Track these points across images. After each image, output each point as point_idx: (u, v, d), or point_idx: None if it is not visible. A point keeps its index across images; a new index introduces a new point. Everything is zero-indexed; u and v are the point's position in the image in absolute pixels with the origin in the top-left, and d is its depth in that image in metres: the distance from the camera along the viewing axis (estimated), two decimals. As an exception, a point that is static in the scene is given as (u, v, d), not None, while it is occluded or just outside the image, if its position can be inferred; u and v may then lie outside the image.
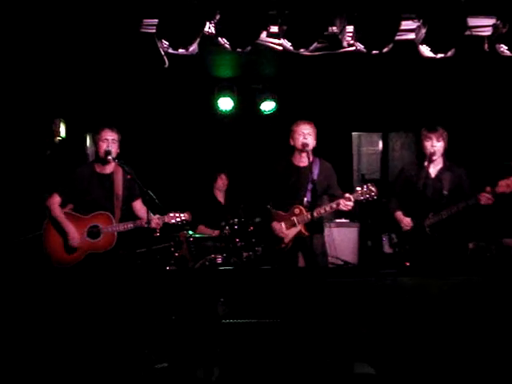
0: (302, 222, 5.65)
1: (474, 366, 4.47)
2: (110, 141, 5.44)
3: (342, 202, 5.55)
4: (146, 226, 5.34)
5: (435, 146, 5.62)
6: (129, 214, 5.65)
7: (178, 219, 5.57)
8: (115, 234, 5.47)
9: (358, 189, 5.58)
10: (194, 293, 5.31)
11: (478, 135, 8.08)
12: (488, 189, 5.40)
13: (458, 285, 4.90)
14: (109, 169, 5.55)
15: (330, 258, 6.37)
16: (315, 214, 5.56)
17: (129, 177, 5.42)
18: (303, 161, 5.74)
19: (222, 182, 7.88)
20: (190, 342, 4.85)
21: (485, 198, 5.40)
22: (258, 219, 6.78)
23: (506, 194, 5.41)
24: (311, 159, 5.63)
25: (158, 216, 5.48)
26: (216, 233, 7.35)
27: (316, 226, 5.74)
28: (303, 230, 5.66)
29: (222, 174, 7.87)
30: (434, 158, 5.68)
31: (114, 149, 5.45)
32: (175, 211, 5.57)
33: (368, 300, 4.87)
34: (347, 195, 5.55)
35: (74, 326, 4.89)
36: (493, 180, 5.47)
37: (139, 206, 5.68)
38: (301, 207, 5.68)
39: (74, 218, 5.49)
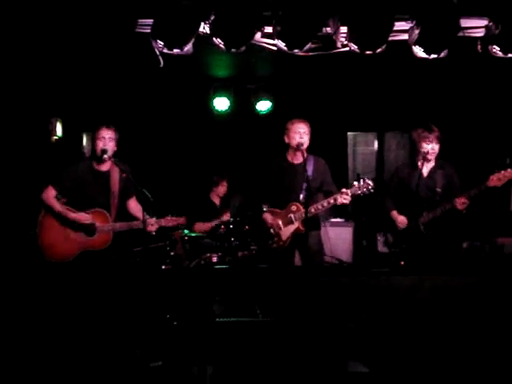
0: (300, 219, 5.65)
1: (467, 365, 4.49)
2: (106, 139, 5.43)
3: (339, 196, 5.56)
4: (141, 227, 5.37)
5: (434, 147, 5.66)
6: (124, 213, 5.67)
7: (175, 223, 5.61)
8: (111, 233, 5.49)
9: (355, 183, 5.61)
10: (188, 292, 5.32)
11: (472, 134, 8.11)
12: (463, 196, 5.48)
13: (452, 284, 4.92)
14: (105, 166, 5.55)
15: (324, 257, 6.39)
16: (313, 210, 5.58)
17: (124, 175, 5.45)
18: (298, 158, 5.76)
19: (222, 189, 7.86)
20: (184, 340, 4.86)
21: (460, 202, 5.47)
22: (249, 213, 6.81)
23: (497, 187, 5.46)
24: (305, 156, 5.65)
25: (154, 220, 5.48)
26: (214, 223, 7.37)
27: (313, 223, 5.75)
28: (301, 227, 5.67)
29: (224, 181, 7.85)
30: (430, 158, 5.72)
31: (111, 147, 5.45)
32: (172, 215, 5.59)
33: (362, 299, 4.89)
34: (344, 190, 5.56)
35: (69, 323, 4.90)
36: (484, 176, 5.51)
37: (134, 204, 5.69)
38: (298, 204, 5.69)
39: (71, 211, 5.50)
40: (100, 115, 6.86)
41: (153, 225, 5.44)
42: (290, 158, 5.86)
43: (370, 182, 5.58)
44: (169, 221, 5.57)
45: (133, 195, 5.67)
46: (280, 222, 5.76)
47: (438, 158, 5.79)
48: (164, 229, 6.36)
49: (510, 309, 4.81)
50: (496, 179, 5.44)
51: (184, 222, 5.64)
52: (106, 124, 5.50)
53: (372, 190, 5.57)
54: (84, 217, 5.44)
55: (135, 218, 5.58)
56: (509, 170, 5.45)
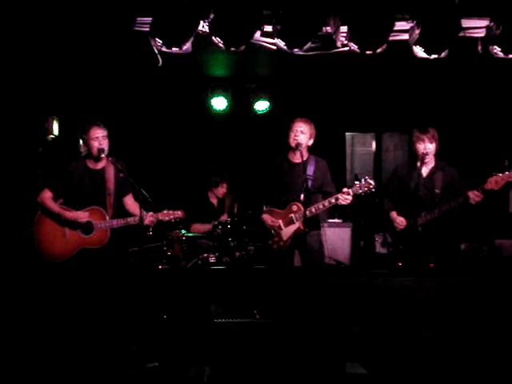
0: (300, 219, 5.62)
1: (465, 366, 4.48)
2: (100, 138, 5.42)
3: (340, 196, 5.53)
4: (139, 223, 5.35)
5: (428, 148, 5.64)
6: (121, 211, 5.65)
7: (172, 216, 5.57)
8: (108, 230, 5.47)
9: (357, 183, 5.57)
10: (186, 292, 5.30)
11: (471, 135, 8.12)
12: (478, 190, 5.43)
13: (450, 285, 4.91)
14: (100, 165, 5.55)
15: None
16: (314, 210, 5.57)
17: (121, 175, 5.44)
18: (298, 158, 5.73)
19: (222, 191, 7.83)
20: (181, 341, 4.84)
21: (473, 195, 5.43)
22: (249, 212, 6.79)
23: (494, 190, 5.44)
24: (306, 156, 5.63)
25: (151, 213, 5.49)
26: (211, 225, 7.35)
27: (313, 223, 5.74)
28: (301, 227, 5.64)
29: (224, 183, 7.81)
30: (427, 159, 5.70)
31: (106, 145, 5.43)
32: (169, 209, 5.57)
33: (360, 300, 4.88)
34: (345, 189, 5.54)
35: (66, 323, 4.88)
36: (484, 178, 5.49)
37: (131, 202, 5.69)
38: (298, 204, 5.66)
39: (68, 211, 5.48)
40: (97, 114, 6.81)
41: (150, 219, 5.41)
42: (290, 158, 5.85)
43: (371, 182, 5.55)
44: (166, 214, 5.55)
45: (129, 192, 5.67)
46: (281, 222, 5.73)
47: (438, 159, 5.76)
48: (162, 228, 6.36)
49: (507, 310, 4.81)
50: (494, 182, 5.42)
51: (182, 215, 5.61)
52: (95, 122, 5.48)
53: (373, 190, 5.55)
54: (81, 215, 5.42)
55: (132, 215, 5.56)
56: (506, 172, 5.44)
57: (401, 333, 4.74)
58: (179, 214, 5.59)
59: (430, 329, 4.74)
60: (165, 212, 5.55)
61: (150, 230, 6.54)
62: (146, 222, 5.43)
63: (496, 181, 5.42)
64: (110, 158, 5.45)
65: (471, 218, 5.78)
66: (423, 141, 5.64)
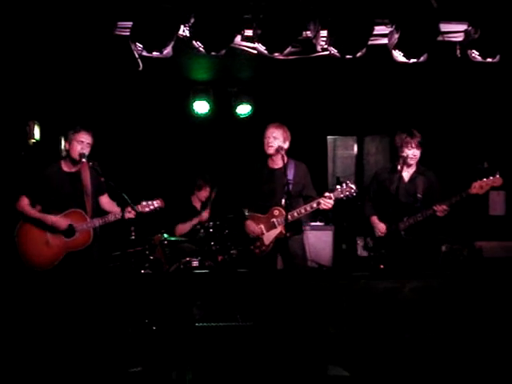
0: (282, 223, 5.60)
1: (446, 366, 4.51)
2: (85, 143, 5.42)
3: (322, 200, 5.52)
4: (119, 217, 5.35)
5: (416, 153, 5.68)
6: (99, 211, 5.66)
7: (152, 207, 5.55)
8: (91, 230, 5.47)
9: (338, 187, 5.56)
10: (168, 296, 5.30)
11: (451, 138, 8.17)
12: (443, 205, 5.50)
13: (431, 287, 4.95)
14: (76, 167, 5.54)
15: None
16: (295, 215, 5.55)
17: (102, 179, 5.44)
18: (278, 163, 5.74)
19: (205, 194, 7.80)
20: (164, 345, 4.84)
21: (441, 209, 5.50)
22: (230, 215, 6.78)
23: (478, 195, 5.49)
24: (286, 161, 5.64)
25: (130, 207, 5.40)
26: (197, 220, 7.35)
27: (295, 227, 5.73)
28: (283, 231, 5.62)
29: (208, 187, 7.80)
30: (411, 162, 5.74)
31: (87, 152, 5.43)
32: (147, 200, 5.56)
33: (342, 303, 4.90)
34: (327, 194, 5.52)
35: (47, 328, 4.86)
36: (466, 184, 5.54)
37: (106, 200, 5.73)
38: (280, 208, 5.64)
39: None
40: (79, 118, 6.79)
41: (130, 211, 5.38)
42: (269, 163, 5.84)
43: (352, 186, 5.54)
44: (145, 206, 5.53)
45: (104, 192, 5.71)
46: (263, 227, 5.73)
47: (419, 163, 5.81)
48: (144, 232, 6.35)
49: (488, 310, 4.85)
50: (478, 186, 5.47)
51: (161, 204, 5.59)
52: (86, 128, 5.48)
53: (354, 194, 5.54)
54: (61, 222, 5.40)
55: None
56: (491, 177, 5.49)
57: (383, 335, 4.76)
58: (158, 202, 5.57)
59: (412, 331, 4.76)
60: (143, 203, 5.53)
61: (133, 234, 6.55)
62: (127, 215, 5.36)
63: (480, 186, 5.47)
64: (90, 163, 5.43)
65: (452, 220, 5.81)
66: (412, 146, 5.67)
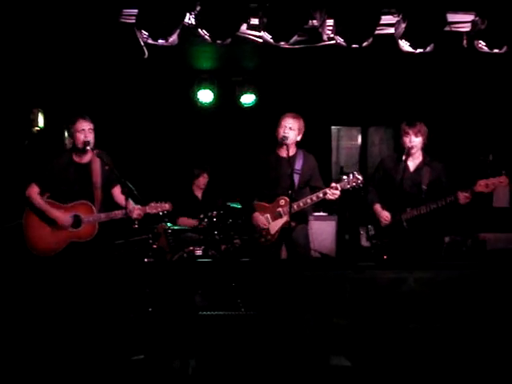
0: (288, 213, 5.58)
1: (450, 358, 4.51)
2: (86, 131, 5.39)
3: (328, 191, 5.51)
4: (126, 216, 5.33)
5: (413, 141, 5.64)
6: (108, 204, 5.62)
7: (160, 209, 5.55)
8: (96, 224, 5.45)
9: (345, 178, 5.55)
10: (171, 285, 5.31)
11: (456, 130, 8.15)
12: (467, 191, 5.45)
13: (435, 278, 4.94)
14: (86, 158, 5.51)
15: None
16: (301, 204, 5.54)
17: (107, 168, 5.41)
18: (287, 152, 5.72)
19: (203, 181, 7.82)
20: (166, 333, 4.85)
21: (463, 196, 5.45)
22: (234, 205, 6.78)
23: (483, 193, 5.47)
24: (294, 151, 5.62)
25: (139, 206, 5.45)
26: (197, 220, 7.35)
27: (301, 217, 5.71)
28: (289, 221, 5.63)
29: (205, 173, 7.81)
30: (413, 152, 5.70)
31: (91, 138, 5.40)
32: (156, 201, 5.55)
33: (345, 293, 4.90)
34: (334, 184, 5.51)
35: (50, 316, 4.87)
36: (470, 176, 5.52)
37: (118, 192, 5.64)
38: (286, 198, 5.60)
39: (55, 207, 5.45)
40: (83, 106, 6.79)
41: (138, 212, 5.40)
42: (279, 152, 5.80)
43: (359, 177, 5.52)
44: (153, 207, 5.52)
45: (117, 184, 5.62)
46: (269, 216, 5.71)
47: (425, 154, 5.78)
48: (148, 221, 6.35)
49: (491, 302, 4.84)
50: (484, 185, 5.44)
51: (169, 207, 5.58)
52: (82, 115, 5.45)
53: (361, 185, 5.52)
54: (63, 219, 5.41)
55: (121, 207, 5.53)
56: (497, 177, 5.45)
57: (387, 325, 4.76)
58: (166, 206, 5.57)
59: (416, 322, 4.76)
60: (152, 205, 5.52)
61: (136, 222, 6.54)
62: (134, 215, 5.40)
63: (486, 184, 5.43)
64: (95, 151, 5.42)
65: (455, 212, 5.79)
66: (409, 134, 5.63)
